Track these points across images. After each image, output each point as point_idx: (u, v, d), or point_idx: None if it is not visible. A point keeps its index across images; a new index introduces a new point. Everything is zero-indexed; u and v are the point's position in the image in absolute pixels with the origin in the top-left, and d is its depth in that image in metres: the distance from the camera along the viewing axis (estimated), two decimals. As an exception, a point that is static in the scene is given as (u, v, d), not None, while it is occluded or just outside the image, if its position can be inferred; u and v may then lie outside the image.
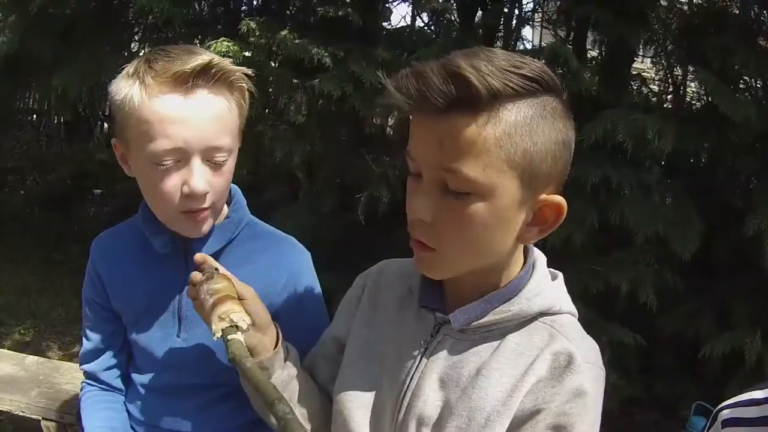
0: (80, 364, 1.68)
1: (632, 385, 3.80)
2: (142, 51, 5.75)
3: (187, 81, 1.31)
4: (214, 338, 1.18)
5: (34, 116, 8.75)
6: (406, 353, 1.23)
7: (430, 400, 1.17)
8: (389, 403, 1.22)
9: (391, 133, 4.75)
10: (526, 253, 1.23)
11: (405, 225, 1.15)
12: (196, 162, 1.34)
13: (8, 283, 5.51)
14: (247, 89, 1.44)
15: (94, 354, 1.63)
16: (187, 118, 1.31)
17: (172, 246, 1.49)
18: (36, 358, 3.22)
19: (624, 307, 3.67)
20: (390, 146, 4.29)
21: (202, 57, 1.34)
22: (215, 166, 1.38)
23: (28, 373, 3.04)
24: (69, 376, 2.96)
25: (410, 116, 1.12)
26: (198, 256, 1.34)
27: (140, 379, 1.61)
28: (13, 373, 3.06)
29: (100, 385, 1.65)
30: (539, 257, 1.24)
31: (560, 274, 1.26)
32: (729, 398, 1.39)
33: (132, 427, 1.63)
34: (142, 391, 1.61)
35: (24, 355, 3.34)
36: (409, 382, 1.20)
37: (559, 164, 1.11)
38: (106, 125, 8.02)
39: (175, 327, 1.53)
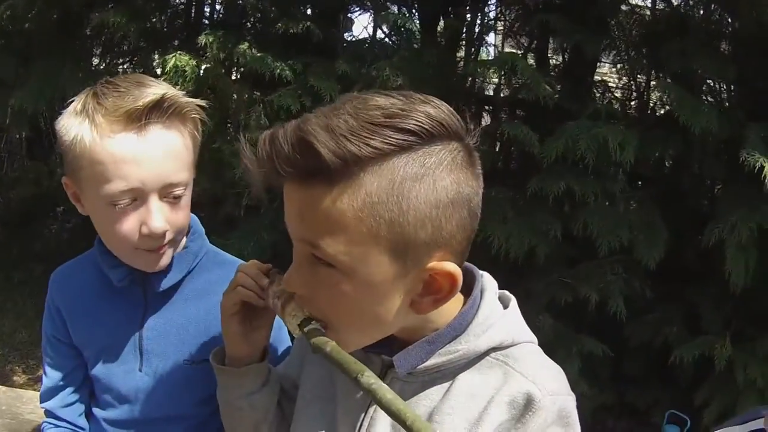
0: (41, 402, 1.61)
1: (604, 394, 3.79)
2: (104, 64, 5.70)
3: (140, 118, 1.25)
4: (296, 335, 1.10)
5: (-7, 132, 8.64)
6: (355, 396, 1.15)
7: None
8: None
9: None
10: (471, 281, 1.10)
11: None
12: (154, 201, 1.29)
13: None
14: (200, 119, 1.38)
15: (55, 391, 1.56)
16: (142, 157, 1.26)
17: (129, 278, 1.43)
18: (-1, 387, 3.17)
19: (593, 317, 3.65)
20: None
21: (154, 91, 1.28)
22: (173, 202, 1.32)
23: (-9, 404, 2.98)
24: (32, 405, 2.92)
25: None
26: (260, 267, 1.25)
27: (104, 414, 1.55)
28: (-25, 403, 3.00)
29: (60, 424, 1.58)
30: (488, 284, 1.11)
31: (513, 299, 1.14)
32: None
33: None
34: (107, 427, 1.55)
35: (-15, 384, 3.28)
36: (359, 427, 1.12)
37: (448, 226, 0.96)
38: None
39: (137, 361, 1.47)
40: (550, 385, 1.03)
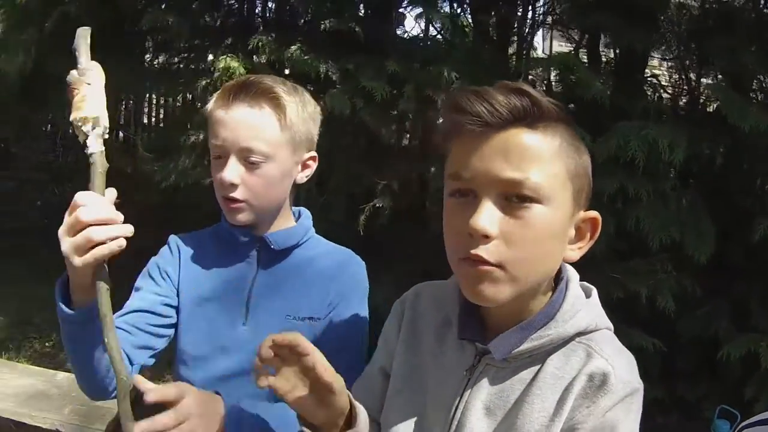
0: None
1: (654, 388, 3.80)
2: (156, 62, 5.83)
3: (229, 94, 1.60)
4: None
5: (49, 126, 8.79)
6: (448, 383, 1.25)
7: (476, 429, 1.19)
8: None
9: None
10: (558, 273, 1.25)
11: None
12: (232, 158, 1.58)
13: (30, 296, 5.55)
14: (291, 105, 1.63)
15: (126, 314, 1.63)
16: (227, 122, 1.59)
17: (250, 238, 1.68)
18: (67, 374, 3.26)
19: (645, 312, 3.69)
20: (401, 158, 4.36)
21: (253, 77, 1.65)
22: (250, 166, 1.59)
23: (60, 390, 3.08)
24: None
25: (455, 139, 1.18)
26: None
27: (193, 372, 1.67)
28: (45, 390, 3.11)
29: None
30: (572, 276, 1.25)
31: (594, 290, 1.28)
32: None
33: None
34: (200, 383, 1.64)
35: (54, 371, 3.38)
36: (455, 411, 1.22)
37: (591, 187, 1.21)
38: (121, 134, 8.07)
39: (242, 315, 1.66)
40: (624, 373, 1.14)
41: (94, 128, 1.24)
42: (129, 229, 1.26)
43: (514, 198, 1.11)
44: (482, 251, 1.11)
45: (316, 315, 1.65)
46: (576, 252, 1.20)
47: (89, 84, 1.26)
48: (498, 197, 1.12)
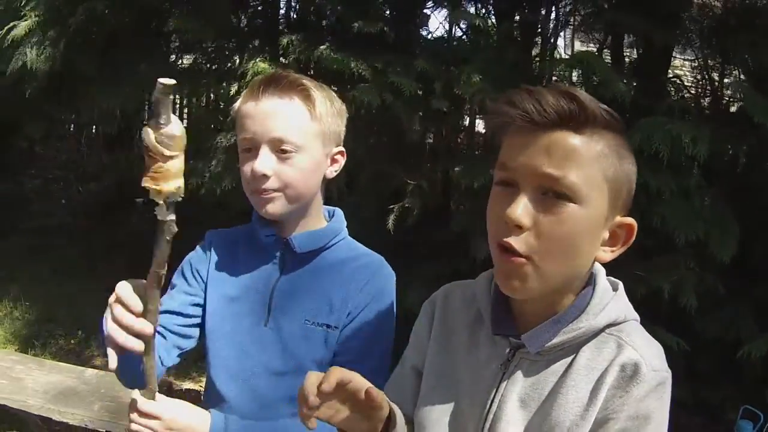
0: None
1: (677, 389, 3.78)
2: (181, 62, 5.88)
3: (260, 87, 1.62)
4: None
5: (72, 126, 8.87)
6: (483, 378, 1.29)
7: (512, 421, 1.23)
8: (471, 428, 1.28)
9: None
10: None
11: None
12: (264, 149, 1.59)
13: (57, 294, 5.64)
14: (320, 98, 1.65)
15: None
16: (256, 114, 1.60)
17: (274, 238, 1.69)
18: (96, 371, 3.30)
19: (667, 310, 3.68)
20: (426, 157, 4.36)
21: (280, 71, 1.68)
22: (282, 156, 1.59)
23: (89, 386, 3.11)
24: (129, 387, 3.04)
25: (506, 133, 1.23)
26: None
27: (213, 371, 1.72)
28: (74, 386, 3.14)
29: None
30: (599, 271, 1.29)
31: (620, 284, 1.31)
32: None
33: None
34: (225, 380, 1.70)
35: (82, 368, 3.42)
36: (490, 405, 1.26)
37: (631, 194, 1.23)
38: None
39: (265, 316, 1.68)
40: (654, 362, 1.19)
41: (168, 200, 1.19)
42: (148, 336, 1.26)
43: (550, 194, 1.16)
44: (513, 240, 1.17)
45: (334, 323, 1.65)
46: (608, 254, 1.23)
47: (167, 156, 1.16)
48: (535, 191, 1.17)
